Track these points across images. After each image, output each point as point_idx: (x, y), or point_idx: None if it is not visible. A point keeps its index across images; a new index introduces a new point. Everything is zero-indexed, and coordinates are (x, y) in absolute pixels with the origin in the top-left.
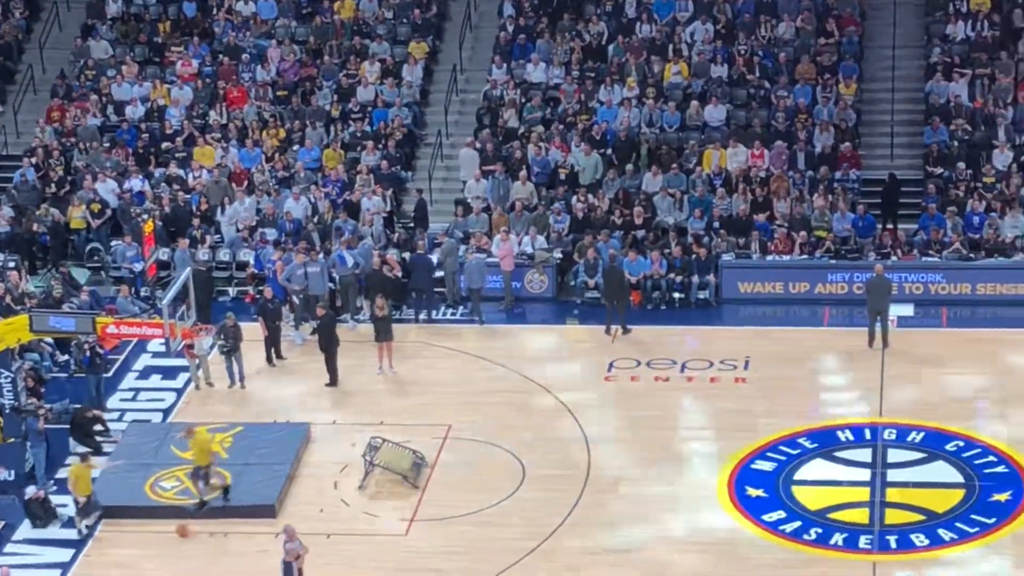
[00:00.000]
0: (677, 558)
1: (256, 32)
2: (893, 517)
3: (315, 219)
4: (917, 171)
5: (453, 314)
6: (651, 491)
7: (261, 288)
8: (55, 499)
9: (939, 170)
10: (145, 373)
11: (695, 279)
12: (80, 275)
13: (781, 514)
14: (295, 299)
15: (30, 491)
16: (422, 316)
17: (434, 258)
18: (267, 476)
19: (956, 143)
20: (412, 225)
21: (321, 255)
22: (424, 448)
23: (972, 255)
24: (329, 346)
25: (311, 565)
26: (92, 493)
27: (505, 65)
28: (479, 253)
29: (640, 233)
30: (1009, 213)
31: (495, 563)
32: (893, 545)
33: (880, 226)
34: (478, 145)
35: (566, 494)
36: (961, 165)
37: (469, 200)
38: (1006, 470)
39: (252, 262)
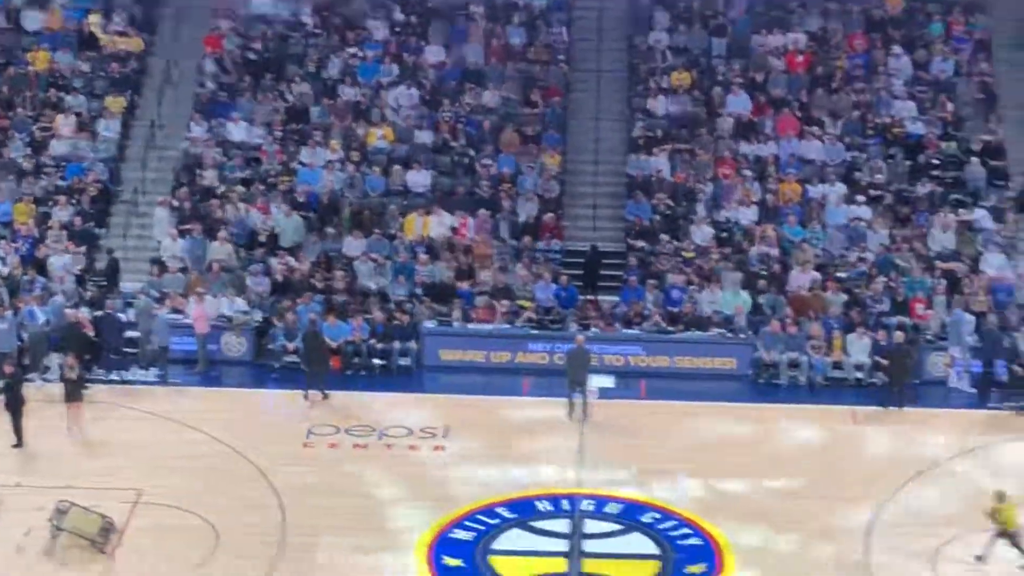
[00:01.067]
0: None
1: None
2: None
3: (4, 274)
4: (619, 243)
5: (146, 375)
6: (349, 560)
7: None
8: None
9: (640, 243)
10: None
11: (396, 345)
12: None
13: None
14: None
15: None
16: (114, 376)
17: (123, 316)
18: None
19: (657, 217)
20: (104, 283)
21: (10, 311)
22: (113, 512)
23: (671, 328)
24: (15, 406)
25: None
26: None
27: (205, 123)
28: (172, 314)
29: (342, 298)
30: (707, 287)
31: None
32: None
33: (582, 297)
34: (175, 203)
35: (261, 561)
36: (664, 238)
37: (165, 259)
38: (700, 542)
39: None
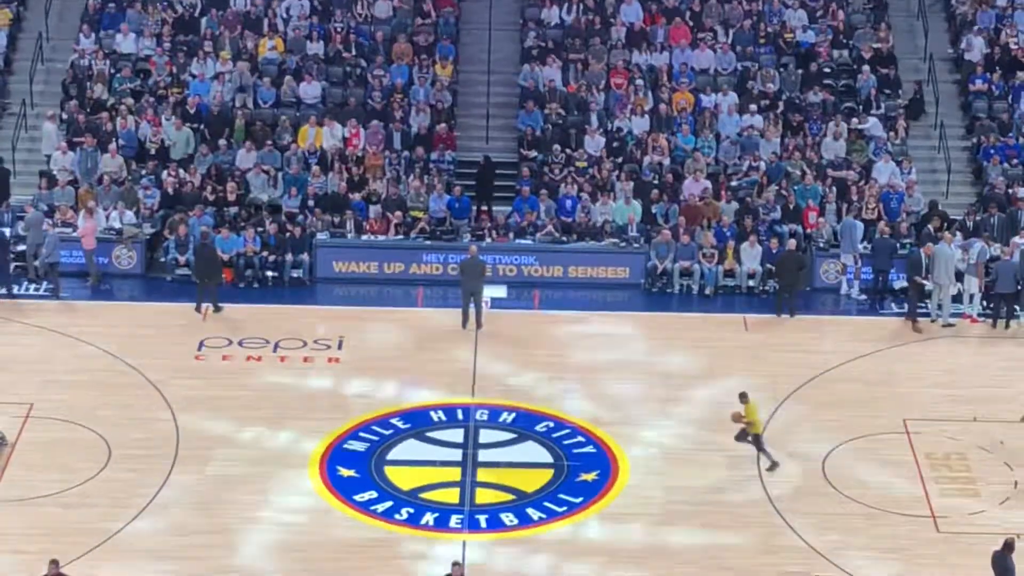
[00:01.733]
0: (264, 538)
1: None
2: (484, 497)
3: None
4: (512, 154)
5: (37, 290)
6: (241, 471)
7: None
8: None
9: (533, 153)
10: None
11: (289, 257)
12: None
13: (373, 494)
14: None
15: None
16: (1, 291)
17: (7, 231)
18: None
19: (550, 127)
20: None
21: None
22: (5, 427)
23: (564, 238)
24: None
25: None
26: None
27: (94, 35)
28: (62, 228)
29: (233, 210)
30: (600, 197)
31: (79, 544)
32: (483, 524)
33: (475, 208)
34: (64, 116)
35: (153, 474)
36: (556, 148)
37: (55, 172)
38: (594, 450)
39: None
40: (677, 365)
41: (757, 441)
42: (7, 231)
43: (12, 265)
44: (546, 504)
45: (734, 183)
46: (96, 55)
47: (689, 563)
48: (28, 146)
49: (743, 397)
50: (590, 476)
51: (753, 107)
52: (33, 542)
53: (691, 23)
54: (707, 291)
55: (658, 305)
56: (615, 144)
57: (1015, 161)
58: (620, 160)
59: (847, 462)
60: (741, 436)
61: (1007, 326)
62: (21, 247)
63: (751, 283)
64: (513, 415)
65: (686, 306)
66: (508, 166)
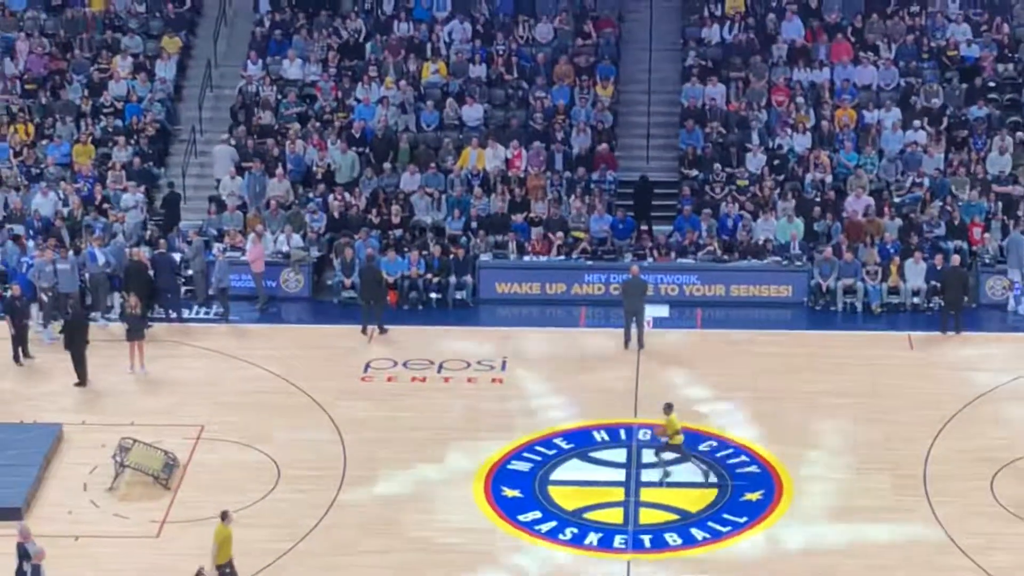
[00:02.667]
0: (433, 559)
1: (4, 24)
2: (647, 517)
3: (65, 216)
4: (672, 173)
5: (207, 313)
6: (408, 492)
7: (8, 285)
8: None
9: (694, 172)
10: None
11: (453, 279)
12: None
13: (537, 514)
14: (43, 297)
15: None
16: (172, 315)
17: (177, 256)
18: (15, 478)
19: (710, 146)
20: (163, 222)
21: (71, 253)
22: (176, 449)
23: (726, 257)
24: (78, 345)
25: (59, 568)
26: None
27: (261, 61)
28: (231, 252)
29: (397, 232)
30: (762, 215)
31: (248, 565)
32: (647, 544)
33: (636, 227)
34: (232, 142)
35: (321, 495)
36: (717, 167)
37: (223, 197)
38: (757, 470)
39: None
40: (841, 384)
41: (679, 450)
42: (177, 256)
43: (183, 289)
44: (710, 524)
45: (897, 199)
46: (263, 81)
47: None
48: (198, 171)
49: (667, 409)
50: (754, 496)
51: (916, 123)
52: (203, 561)
53: (853, 39)
54: (873, 308)
55: (821, 323)
56: (776, 162)
57: None
58: (782, 178)
59: (1015, 482)
60: (664, 448)
61: None
62: (190, 272)
63: (915, 300)
64: None
65: (850, 324)
66: (668, 185)
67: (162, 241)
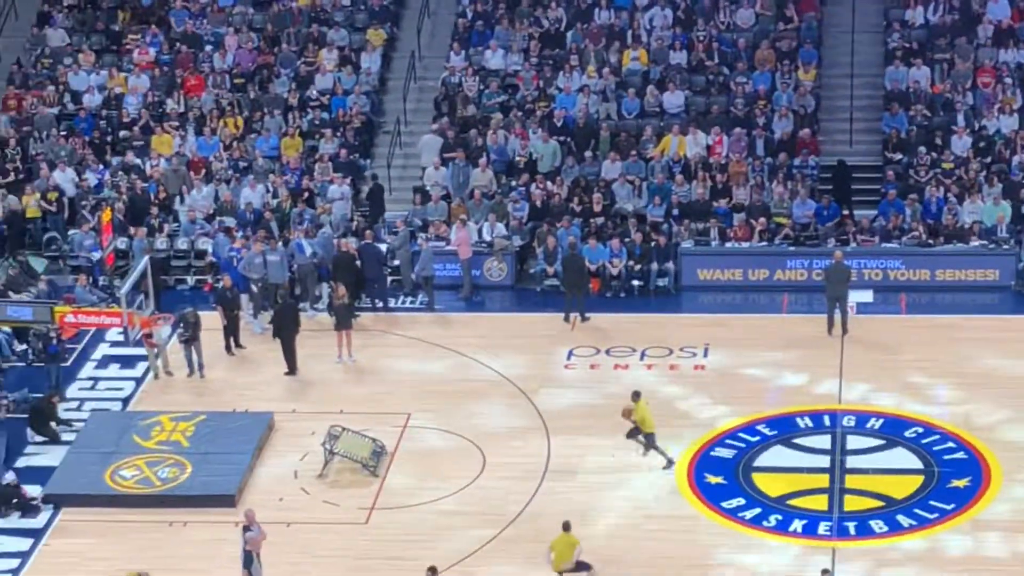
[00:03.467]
0: (637, 545)
1: (213, 20)
2: (852, 504)
3: (273, 207)
4: (876, 157)
5: (412, 302)
6: (611, 479)
7: (219, 277)
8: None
9: (898, 156)
10: (103, 362)
11: (654, 266)
12: (38, 264)
13: (740, 501)
14: (254, 288)
15: None
16: (379, 304)
17: (383, 247)
18: (228, 465)
19: (915, 129)
20: (369, 213)
21: (280, 244)
22: (384, 436)
23: (931, 241)
24: (287, 334)
25: (271, 554)
26: None
27: (463, 52)
28: (435, 241)
29: (599, 220)
30: (968, 199)
31: (455, 551)
32: (852, 531)
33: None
34: (437, 132)
35: (526, 482)
36: (922, 150)
37: (428, 188)
38: (965, 456)
39: (210, 250)
40: None
41: (649, 440)
42: (383, 247)
43: (388, 279)
44: (916, 511)
45: None
46: (466, 72)
47: None
48: (402, 162)
49: (635, 396)
50: (962, 483)
51: None
52: (411, 548)
53: None
54: None
55: None
56: (982, 144)
57: None
58: (988, 160)
59: None
60: (632, 434)
61: None
62: (396, 262)
63: None
64: (881, 421)
65: None
66: (872, 169)
67: (368, 232)
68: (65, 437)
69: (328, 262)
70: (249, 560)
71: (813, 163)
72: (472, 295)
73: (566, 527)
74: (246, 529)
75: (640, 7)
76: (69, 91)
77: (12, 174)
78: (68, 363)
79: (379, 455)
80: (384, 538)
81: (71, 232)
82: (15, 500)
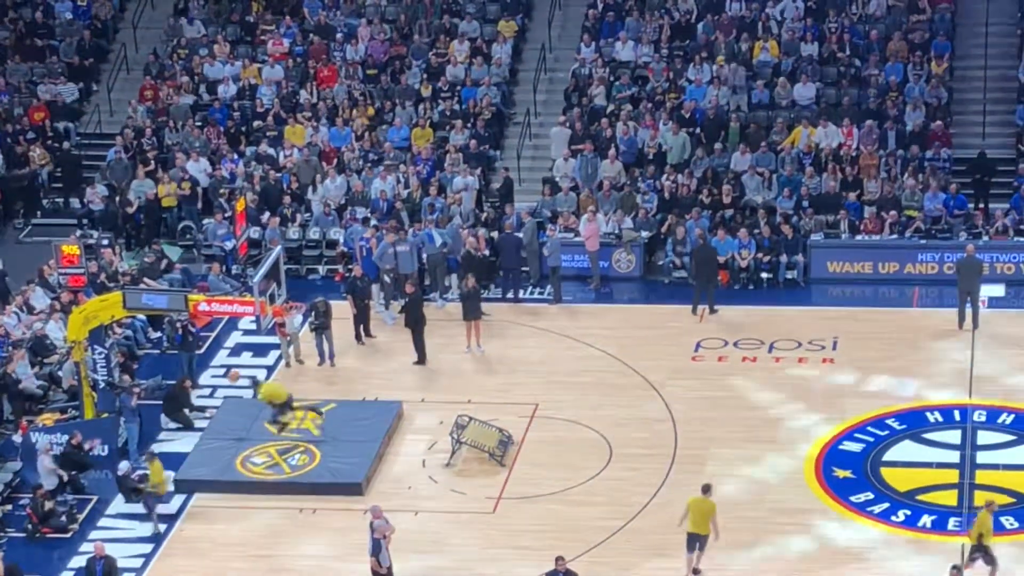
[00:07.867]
0: (764, 538)
1: (346, 11)
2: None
3: (404, 197)
4: (1009, 150)
5: (541, 293)
6: (738, 471)
7: (351, 266)
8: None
9: None
10: (236, 350)
11: (783, 258)
12: (172, 253)
13: (869, 495)
14: (385, 278)
15: (123, 467)
16: (509, 295)
17: (521, 235)
18: (356, 454)
19: None
20: (499, 204)
21: (410, 234)
22: (511, 426)
23: None
24: (417, 324)
25: (399, 542)
26: None
27: (594, 43)
28: (564, 232)
29: (729, 212)
30: None
31: (582, 541)
32: None
33: (971, 205)
34: (567, 124)
35: (653, 473)
36: None
37: (557, 179)
38: None
39: (341, 240)
40: None
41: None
42: (520, 235)
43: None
44: None
45: None
46: (596, 63)
47: None
48: (532, 154)
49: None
50: None
51: None
52: (538, 538)
53: None
54: None
55: None
56: None
57: None
58: None
59: None
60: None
61: None
62: (524, 253)
63: None
64: (1012, 416)
65: None
66: (1006, 162)
67: (508, 222)
68: (198, 424)
69: (458, 253)
70: (378, 548)
71: (946, 155)
72: (600, 286)
73: (705, 489)
74: (375, 517)
75: None
76: (204, 82)
77: (151, 163)
78: (202, 351)
79: (506, 445)
80: (511, 528)
81: (205, 221)
82: (133, 490)
